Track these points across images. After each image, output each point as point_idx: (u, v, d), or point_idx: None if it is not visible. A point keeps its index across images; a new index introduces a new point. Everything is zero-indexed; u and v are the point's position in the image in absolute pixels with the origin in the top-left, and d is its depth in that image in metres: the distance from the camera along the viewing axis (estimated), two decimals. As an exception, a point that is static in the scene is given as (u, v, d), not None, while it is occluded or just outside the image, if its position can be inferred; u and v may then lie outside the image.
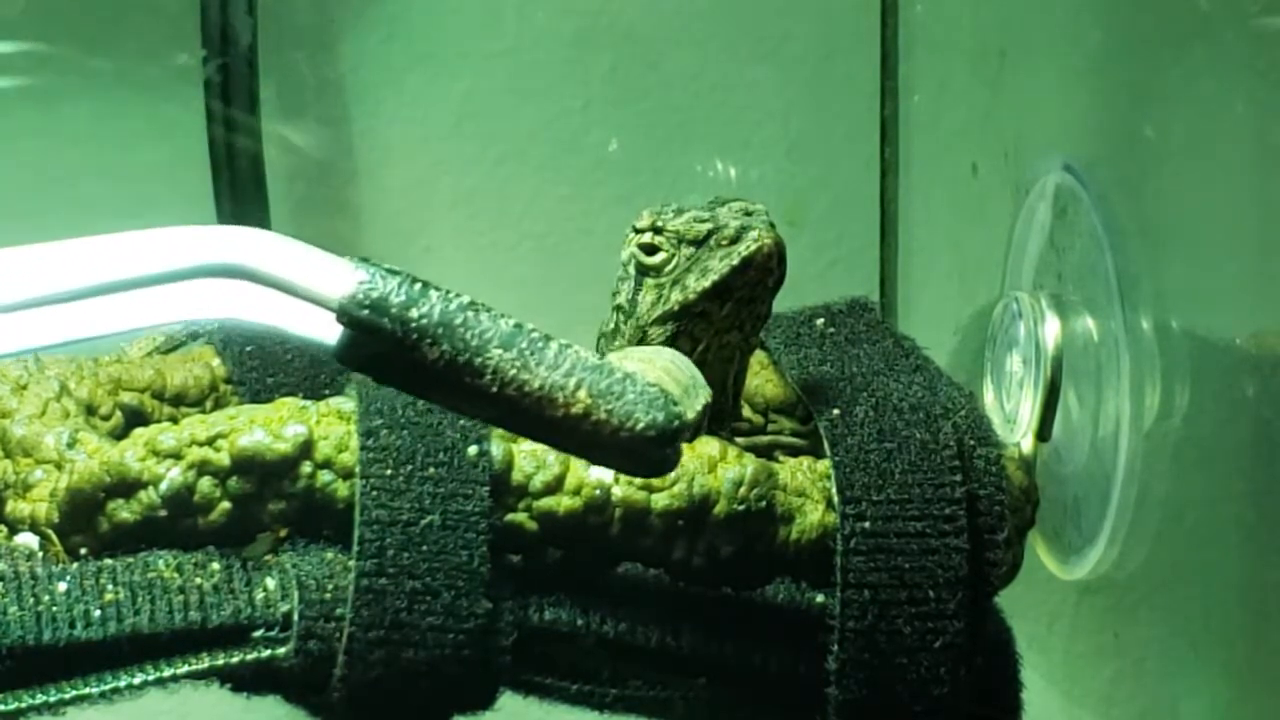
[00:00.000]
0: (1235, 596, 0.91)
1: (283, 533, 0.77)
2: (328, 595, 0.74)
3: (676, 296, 0.83)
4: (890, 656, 0.76)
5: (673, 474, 0.76)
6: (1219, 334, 0.90)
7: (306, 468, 0.75)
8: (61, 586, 0.73)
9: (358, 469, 0.75)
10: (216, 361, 0.94)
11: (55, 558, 0.76)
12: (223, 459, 0.75)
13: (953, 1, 1.26)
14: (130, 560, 0.75)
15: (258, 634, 0.74)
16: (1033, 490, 0.83)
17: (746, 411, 0.92)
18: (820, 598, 0.78)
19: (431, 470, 0.75)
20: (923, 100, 1.30)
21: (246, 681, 0.75)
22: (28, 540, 0.77)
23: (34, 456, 0.79)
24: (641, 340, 0.84)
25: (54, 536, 0.76)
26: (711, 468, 0.76)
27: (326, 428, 0.76)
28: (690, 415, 0.67)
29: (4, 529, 0.79)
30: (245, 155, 1.26)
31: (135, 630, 0.72)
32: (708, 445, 0.77)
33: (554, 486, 0.76)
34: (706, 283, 0.82)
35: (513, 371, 0.64)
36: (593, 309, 0.89)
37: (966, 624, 0.76)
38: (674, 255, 0.83)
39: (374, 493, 0.75)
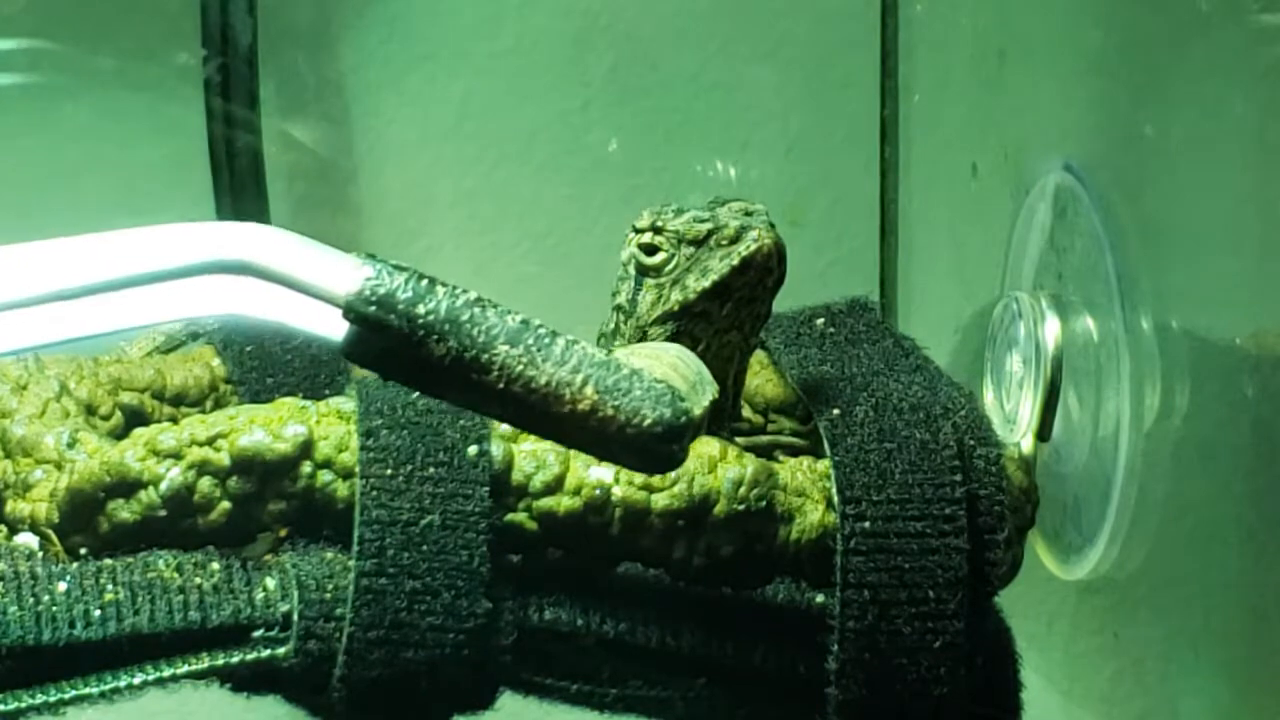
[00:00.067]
0: (1235, 596, 0.91)
1: (283, 533, 0.77)
2: (328, 595, 0.74)
3: (676, 296, 0.83)
4: (890, 656, 0.76)
5: (673, 474, 0.76)
6: (1219, 334, 0.90)
7: (306, 468, 0.75)
8: (61, 586, 0.73)
9: (358, 469, 0.75)
10: (216, 361, 0.94)
11: (55, 558, 0.76)
12: (223, 459, 0.75)
13: (953, 1, 1.26)
14: (130, 560, 0.75)
15: (258, 634, 0.74)
16: (1033, 490, 0.83)
17: (746, 411, 0.92)
18: (820, 598, 0.78)
19: (431, 470, 0.75)
20: (923, 100, 1.30)
21: (246, 681, 0.75)
22: (28, 540, 0.77)
23: (34, 456, 0.79)
24: (641, 340, 0.84)
25: (54, 536, 0.76)
26: (711, 468, 0.76)
27: (326, 428, 0.76)
28: (697, 411, 0.67)
29: (4, 529, 0.79)
30: (245, 154, 1.26)
31: (135, 630, 0.72)
32: (708, 445, 0.77)
33: (554, 486, 0.76)
34: (706, 283, 0.82)
35: (519, 367, 0.64)
36: (593, 309, 0.89)
37: (966, 624, 0.76)
38: (674, 255, 0.83)
39: (374, 493, 0.75)
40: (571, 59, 1.32)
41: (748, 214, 0.84)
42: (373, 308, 0.64)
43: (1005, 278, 1.09)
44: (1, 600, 0.72)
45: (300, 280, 0.65)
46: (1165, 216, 0.94)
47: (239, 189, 1.26)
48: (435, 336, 0.64)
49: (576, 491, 0.76)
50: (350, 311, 0.64)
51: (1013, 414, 0.96)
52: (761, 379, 0.93)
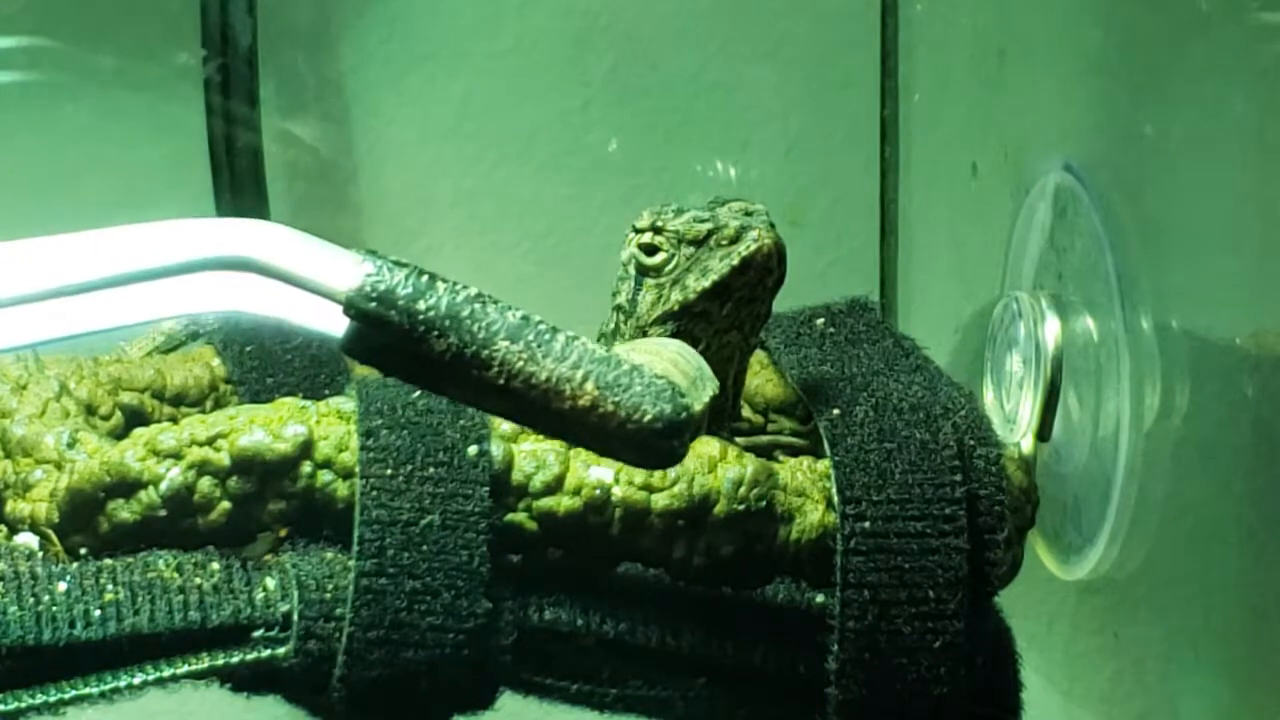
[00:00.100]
0: (1235, 596, 0.91)
1: (283, 533, 0.77)
2: (328, 595, 0.74)
3: (676, 296, 0.83)
4: (890, 656, 0.76)
5: (673, 474, 0.76)
6: (1219, 334, 0.90)
7: (306, 468, 0.75)
8: (61, 586, 0.73)
9: (358, 469, 0.75)
10: (216, 361, 0.94)
11: (55, 558, 0.76)
12: (223, 459, 0.75)
13: (953, 1, 1.26)
14: (130, 560, 0.75)
15: (258, 634, 0.74)
16: (1033, 490, 0.83)
17: (746, 411, 0.92)
18: (820, 598, 0.78)
19: (431, 470, 0.75)
20: (923, 100, 1.30)
21: (246, 681, 0.75)
22: (28, 540, 0.77)
23: (34, 456, 0.79)
24: (641, 340, 0.84)
25: (54, 536, 0.76)
26: (711, 468, 0.76)
27: (326, 428, 0.76)
28: (698, 407, 0.67)
29: (4, 529, 0.79)
30: (245, 154, 1.26)
31: (135, 630, 0.72)
32: (708, 445, 0.77)
33: (554, 486, 0.76)
34: (706, 283, 0.82)
35: (520, 363, 0.64)
36: (593, 309, 0.89)
37: (966, 624, 0.76)
38: (674, 255, 0.83)
39: (374, 493, 0.75)
40: (571, 59, 1.31)
41: (748, 214, 0.84)
42: (373, 304, 0.64)
43: (1005, 278, 1.09)
44: (1, 600, 0.72)
45: (301, 276, 0.65)
46: (1165, 216, 0.94)
47: (239, 189, 1.26)
48: (436, 332, 0.64)
49: (576, 491, 0.76)
50: (351, 307, 0.64)
51: (1013, 414, 0.96)
52: (761, 379, 0.93)
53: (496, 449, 0.76)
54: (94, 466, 0.75)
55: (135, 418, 0.90)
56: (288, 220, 1.26)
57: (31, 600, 0.72)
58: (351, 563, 0.74)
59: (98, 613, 0.72)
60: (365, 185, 1.31)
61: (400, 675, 0.74)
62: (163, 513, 0.75)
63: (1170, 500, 0.93)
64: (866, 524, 0.76)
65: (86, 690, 0.72)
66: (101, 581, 0.73)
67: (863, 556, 0.76)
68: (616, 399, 0.65)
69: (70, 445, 0.79)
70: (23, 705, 0.71)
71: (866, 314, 0.94)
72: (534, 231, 1.33)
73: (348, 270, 0.65)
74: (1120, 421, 0.94)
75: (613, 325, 0.86)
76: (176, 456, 0.75)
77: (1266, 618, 0.88)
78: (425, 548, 0.74)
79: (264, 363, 0.92)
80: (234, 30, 1.24)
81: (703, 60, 1.33)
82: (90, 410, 0.89)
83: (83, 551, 0.76)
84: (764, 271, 0.82)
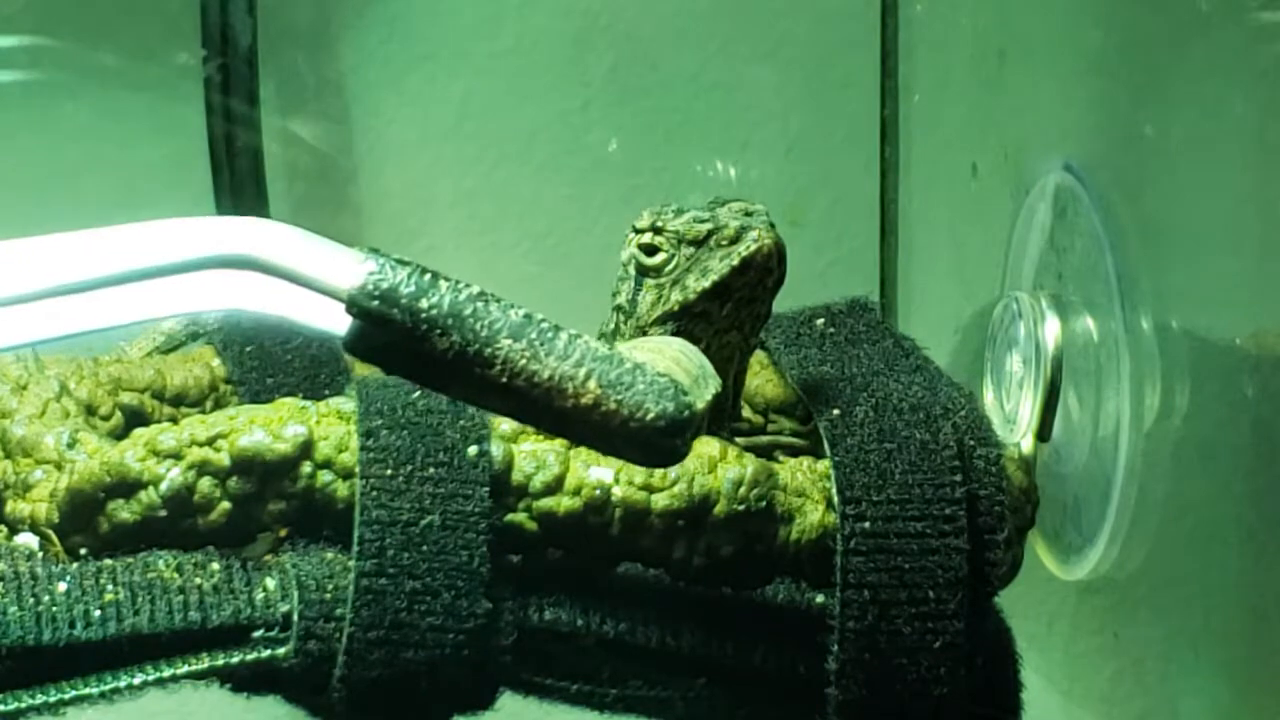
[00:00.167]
0: (1235, 596, 0.91)
1: (283, 533, 0.77)
2: (328, 595, 0.74)
3: (676, 297, 0.83)
4: (890, 656, 0.76)
5: (673, 474, 0.76)
6: (1219, 334, 0.90)
7: (306, 468, 0.75)
8: (61, 586, 0.73)
9: (358, 469, 0.75)
10: (216, 361, 0.94)
11: (55, 558, 0.76)
12: (223, 459, 0.75)
13: (953, 1, 1.26)
14: (130, 560, 0.75)
15: (258, 634, 0.74)
16: (1033, 490, 0.83)
17: (746, 411, 0.92)
18: (820, 598, 0.78)
19: (431, 470, 0.75)
20: (923, 100, 1.30)
21: (246, 681, 0.75)
22: (28, 540, 0.77)
23: (34, 456, 0.79)
24: (641, 340, 0.84)
25: (54, 536, 0.76)
26: (711, 468, 0.76)
27: (326, 428, 0.76)
28: (700, 405, 0.67)
29: (4, 529, 0.79)
30: (245, 154, 1.26)
31: (135, 630, 0.72)
32: (708, 445, 0.77)
33: (554, 486, 0.76)
34: (706, 283, 0.82)
35: (523, 362, 0.64)
36: (593, 309, 0.89)
37: (966, 624, 0.76)
38: (674, 255, 0.83)
39: (374, 493, 0.75)
40: (571, 59, 1.32)
41: (748, 214, 0.84)
42: (376, 302, 0.64)
43: (1005, 278, 1.09)
44: (1, 600, 0.72)
45: (303, 274, 0.65)
46: (1165, 216, 0.94)
47: (239, 188, 1.26)
48: (438, 331, 0.64)
49: (576, 491, 0.76)
50: (353, 306, 0.64)
51: (1013, 414, 0.96)
52: (761, 379, 0.93)
53: (496, 449, 0.76)
54: (94, 467, 0.75)
55: (135, 418, 0.90)
56: (288, 219, 1.26)
57: (31, 600, 0.72)
58: (351, 563, 0.74)
59: (98, 613, 0.72)
60: (365, 185, 1.31)
61: (400, 675, 0.74)
62: (163, 513, 0.75)
63: (1170, 500, 0.93)
64: (866, 524, 0.76)
65: (86, 690, 0.72)
66: (101, 582, 0.73)
67: (863, 557, 0.76)
68: (619, 397, 0.65)
69: (70, 445, 0.79)
70: (23, 705, 0.71)
71: (866, 314, 0.94)
72: (534, 231, 1.33)
73: (350, 268, 0.65)
74: (1120, 421, 0.94)
75: (613, 325, 0.86)
76: (176, 457, 0.75)
77: (1266, 618, 0.88)
78: (425, 548, 0.74)
79: (264, 363, 0.92)
80: (234, 30, 1.24)
81: (703, 60, 1.33)
82: (90, 410, 0.89)
83: (83, 552, 0.76)
84: (764, 271, 0.82)
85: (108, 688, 0.72)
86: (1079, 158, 1.01)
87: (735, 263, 0.82)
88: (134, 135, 1.26)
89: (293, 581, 0.74)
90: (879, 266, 1.33)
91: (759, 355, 0.92)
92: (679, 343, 0.77)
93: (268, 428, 0.76)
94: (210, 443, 0.75)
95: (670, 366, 0.69)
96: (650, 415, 0.65)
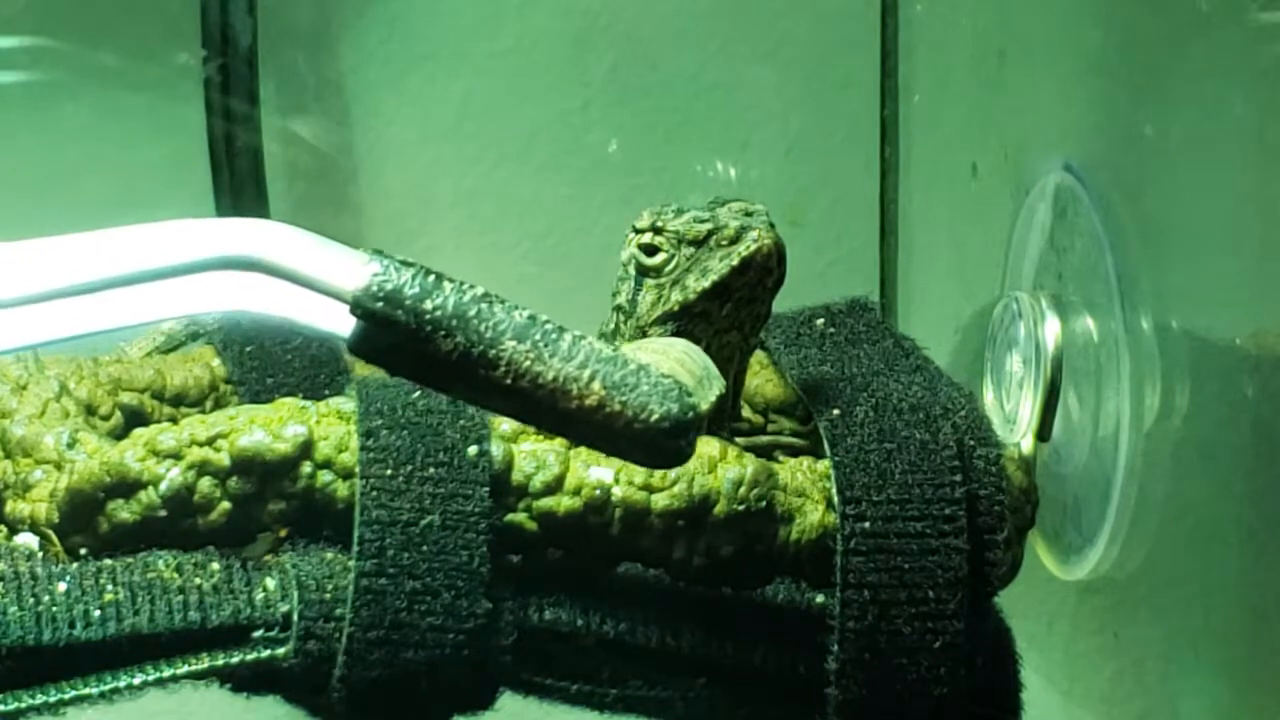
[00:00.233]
0: (1235, 596, 0.91)
1: (283, 533, 0.77)
2: (328, 595, 0.74)
3: (676, 297, 0.83)
4: (890, 656, 0.76)
5: (673, 474, 0.76)
6: (1219, 334, 0.90)
7: (306, 468, 0.75)
8: (61, 586, 0.73)
9: (358, 469, 0.75)
10: (216, 361, 0.94)
11: (55, 558, 0.76)
12: (223, 459, 0.75)
13: (953, 1, 1.26)
14: (130, 560, 0.75)
15: (258, 634, 0.74)
16: (1033, 490, 0.83)
17: (746, 411, 0.92)
18: (820, 598, 0.78)
19: (431, 470, 0.75)
20: (923, 100, 1.30)
21: (246, 681, 0.75)
22: (28, 540, 0.77)
23: (34, 456, 0.79)
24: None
25: (54, 536, 0.76)
26: (711, 468, 0.76)
27: (326, 428, 0.76)
28: (704, 406, 0.68)
29: (4, 529, 0.79)
30: (245, 154, 1.26)
31: (135, 630, 0.72)
32: (708, 445, 0.77)
33: (554, 486, 0.76)
34: (706, 283, 0.82)
35: (527, 363, 0.64)
36: (593, 309, 0.89)
37: (966, 624, 0.76)
38: (674, 255, 0.83)
39: (374, 493, 0.75)
40: (571, 59, 1.32)
41: (748, 214, 0.84)
42: (380, 303, 0.64)
43: (1005, 278, 1.09)
44: (1, 600, 0.72)
45: (307, 276, 0.65)
46: (1165, 216, 0.94)
47: (239, 188, 1.26)
48: (442, 332, 0.64)
49: (576, 491, 0.76)
50: (357, 307, 0.64)
51: (1013, 414, 0.96)
52: (761, 379, 0.93)
53: (496, 449, 0.76)
54: (94, 467, 0.75)
55: (135, 418, 0.90)
56: (288, 219, 1.27)
57: (31, 600, 0.72)
58: (351, 563, 0.74)
59: (98, 613, 0.72)
60: (365, 185, 1.31)
61: (400, 675, 0.74)
62: (163, 513, 0.75)
63: (1170, 500, 0.93)
64: (866, 524, 0.76)
65: (86, 690, 0.72)
66: (101, 582, 0.73)
67: (863, 557, 0.76)
68: (623, 398, 0.65)
69: (70, 445, 0.79)
70: (23, 705, 0.71)
71: (866, 314, 0.94)
72: (534, 231, 1.33)
73: (354, 270, 0.65)
74: (1120, 421, 0.94)
75: (613, 325, 0.86)
76: (176, 457, 0.75)
77: (1266, 618, 0.88)
78: (425, 548, 0.74)
79: (264, 363, 0.92)
80: (234, 30, 1.24)
81: (703, 60, 1.33)
82: (90, 410, 0.89)
83: (83, 552, 0.76)
84: (764, 271, 0.82)
85: (108, 688, 0.72)
86: (1079, 158, 1.01)
87: (735, 263, 0.82)
88: (134, 135, 1.26)
89: (293, 581, 0.74)
90: (879, 266, 1.33)
91: (759, 355, 0.92)
92: (683, 344, 0.77)
93: (268, 428, 0.76)
94: (210, 443, 0.75)
95: (674, 368, 0.69)
96: (655, 417, 0.65)
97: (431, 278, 0.65)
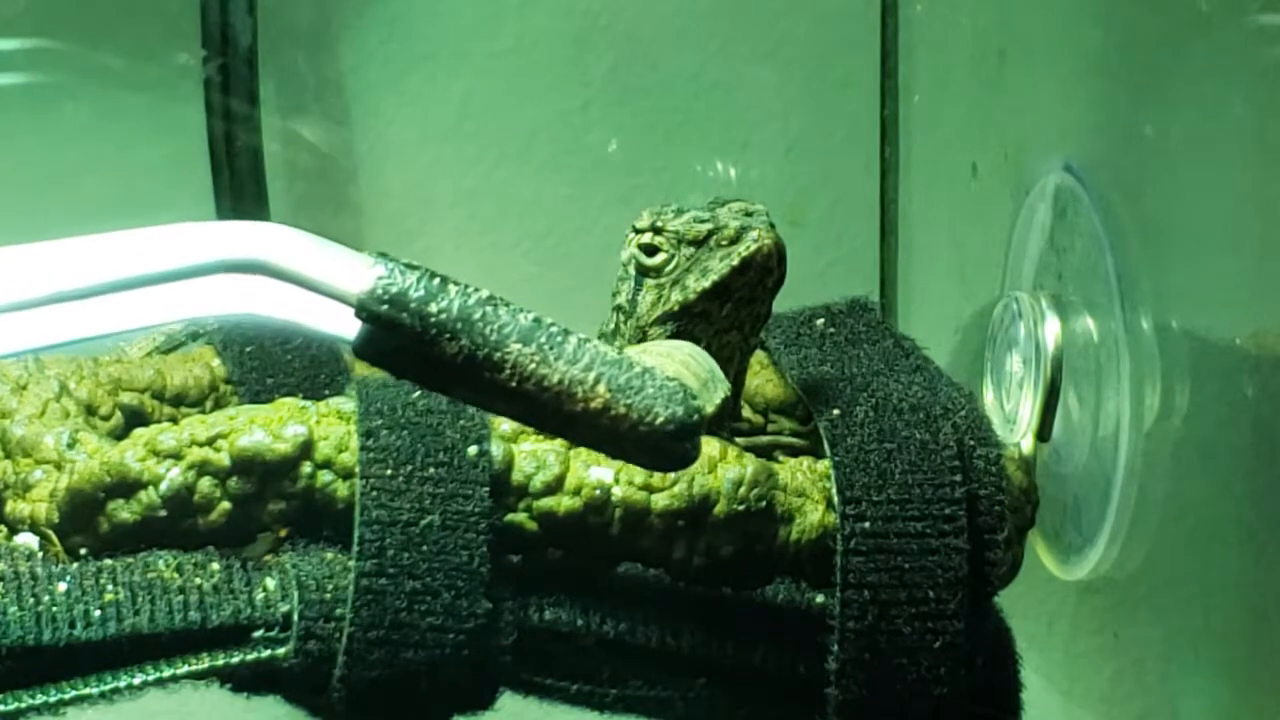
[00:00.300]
0: (1235, 596, 0.91)
1: (283, 533, 0.77)
2: (328, 595, 0.74)
3: (676, 297, 0.83)
4: (890, 656, 0.76)
5: (673, 474, 0.76)
6: (1219, 334, 0.90)
7: (306, 468, 0.75)
8: (61, 586, 0.73)
9: (358, 469, 0.75)
10: (216, 361, 0.94)
11: (55, 558, 0.76)
12: (223, 459, 0.75)
13: (953, 1, 1.26)
14: (130, 560, 0.75)
15: (258, 634, 0.74)
16: (1033, 490, 0.83)
17: (746, 411, 0.92)
18: (820, 598, 0.78)
19: (431, 470, 0.75)
20: (923, 100, 1.30)
21: (246, 681, 0.75)
22: (28, 540, 0.77)
23: (34, 456, 0.79)
24: (641, 340, 0.84)
25: (54, 536, 0.76)
26: (711, 468, 0.76)
27: (326, 428, 0.76)
28: (709, 409, 0.68)
29: (4, 529, 0.79)
30: (245, 154, 1.26)
31: (135, 630, 0.72)
32: (708, 445, 0.77)
33: (554, 486, 0.76)
34: (706, 283, 0.82)
35: (532, 366, 0.64)
36: (593, 309, 0.89)
37: (966, 624, 0.76)
38: (674, 255, 0.83)
39: (374, 493, 0.75)
40: (571, 59, 1.32)
41: (748, 214, 0.84)
42: (385, 306, 0.64)
43: (1005, 278, 1.09)
44: (1, 600, 0.72)
45: (313, 279, 0.65)
46: (1165, 216, 0.94)
47: (239, 189, 1.26)
48: (447, 335, 0.64)
49: (576, 491, 0.76)
50: (362, 310, 0.65)
51: (1013, 414, 0.96)
52: (761, 379, 0.93)
53: (496, 449, 0.76)
54: (94, 467, 0.75)
55: (135, 418, 0.90)
56: (288, 220, 1.27)
57: (31, 600, 0.72)
58: (351, 563, 0.74)
59: (98, 613, 0.72)
60: (365, 185, 1.31)
61: (400, 675, 0.74)
62: (163, 513, 0.75)
63: (1170, 500, 0.93)
64: (866, 524, 0.76)
65: (86, 690, 0.72)
66: (101, 582, 0.73)
67: (863, 557, 0.76)
68: (629, 401, 0.65)
69: (70, 445, 0.79)
70: (23, 705, 0.71)
71: (866, 314, 0.94)
72: (534, 231, 1.33)
73: (359, 273, 0.65)
74: (1120, 421, 0.94)
75: (613, 325, 0.86)
76: (176, 457, 0.75)
77: (1266, 618, 0.88)
78: (425, 548, 0.74)
79: (264, 363, 0.92)
80: (234, 30, 1.24)
81: (703, 60, 1.33)
82: (90, 410, 0.89)
83: (83, 552, 0.76)
84: (764, 272, 0.82)
85: (108, 688, 0.72)
86: (1079, 158, 1.01)
87: (735, 263, 0.82)
88: (134, 136, 1.26)
89: (293, 581, 0.74)
90: (879, 266, 1.33)
91: (759, 355, 0.92)
92: (689, 346, 0.77)
93: (268, 428, 0.76)
94: (210, 443, 0.75)
95: (679, 370, 0.69)
96: (660, 419, 0.65)
97: (436, 280, 0.65)
